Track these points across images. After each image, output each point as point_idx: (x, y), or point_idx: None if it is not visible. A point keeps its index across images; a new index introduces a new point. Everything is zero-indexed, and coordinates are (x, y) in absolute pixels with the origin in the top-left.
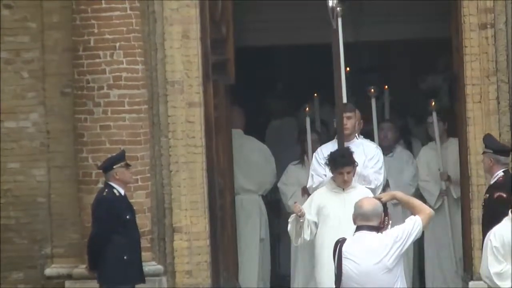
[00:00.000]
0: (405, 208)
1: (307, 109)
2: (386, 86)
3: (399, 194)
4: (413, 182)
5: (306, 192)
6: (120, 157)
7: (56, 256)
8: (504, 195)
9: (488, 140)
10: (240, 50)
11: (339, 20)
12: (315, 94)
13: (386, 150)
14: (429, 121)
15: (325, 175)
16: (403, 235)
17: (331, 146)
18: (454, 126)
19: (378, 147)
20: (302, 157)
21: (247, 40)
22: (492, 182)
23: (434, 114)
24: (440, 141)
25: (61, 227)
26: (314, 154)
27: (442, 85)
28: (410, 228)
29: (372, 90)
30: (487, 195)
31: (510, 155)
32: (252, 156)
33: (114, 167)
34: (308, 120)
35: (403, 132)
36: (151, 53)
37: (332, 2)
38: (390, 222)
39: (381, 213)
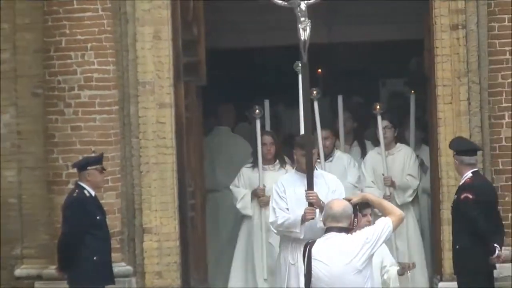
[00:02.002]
0: (376, 209)
1: (257, 111)
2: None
3: (370, 195)
4: (358, 184)
5: (256, 195)
6: (97, 160)
7: (26, 257)
8: (470, 196)
9: (453, 142)
10: (212, 51)
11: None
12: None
13: (326, 156)
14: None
15: (287, 209)
16: (373, 236)
17: (289, 177)
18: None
19: (338, 179)
20: (256, 159)
21: (218, 41)
22: (460, 183)
23: (379, 118)
24: (388, 147)
25: (32, 227)
26: (274, 186)
27: (403, 89)
28: (380, 229)
29: (378, 107)
30: (455, 196)
31: (477, 155)
32: (236, 154)
33: (88, 168)
34: (258, 122)
35: (357, 135)
36: (123, 53)
37: (304, 34)
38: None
39: (351, 214)
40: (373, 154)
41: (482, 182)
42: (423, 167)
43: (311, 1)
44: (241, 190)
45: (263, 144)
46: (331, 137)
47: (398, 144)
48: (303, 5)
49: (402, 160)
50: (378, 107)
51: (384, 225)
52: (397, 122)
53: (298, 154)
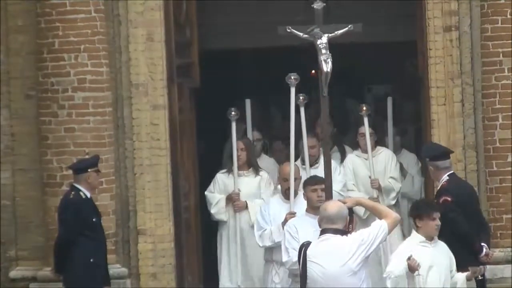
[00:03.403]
0: (371, 213)
1: (233, 113)
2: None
3: (364, 200)
4: (343, 192)
5: (231, 199)
6: (95, 162)
7: (20, 259)
8: (449, 199)
9: (425, 148)
10: (205, 53)
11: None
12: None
13: (313, 163)
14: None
15: None
16: (368, 238)
17: (301, 220)
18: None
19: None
20: (230, 165)
21: (212, 43)
22: (438, 187)
23: (366, 119)
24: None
25: (25, 229)
26: (285, 227)
27: (388, 94)
28: (375, 232)
29: (365, 108)
30: (435, 200)
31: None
32: None
33: (89, 170)
34: (234, 125)
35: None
36: (116, 55)
37: (327, 67)
38: (356, 227)
39: (346, 216)
40: (352, 157)
41: (458, 184)
42: (402, 171)
43: (332, 34)
44: (215, 195)
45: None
46: (318, 145)
47: (378, 147)
48: (324, 38)
49: (384, 163)
50: (364, 108)
51: (379, 227)
52: (378, 127)
53: (308, 191)
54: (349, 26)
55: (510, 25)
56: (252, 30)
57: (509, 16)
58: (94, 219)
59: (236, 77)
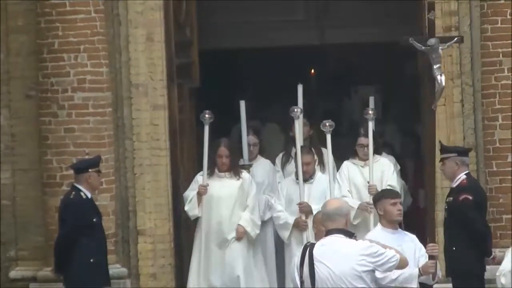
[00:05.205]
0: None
1: (207, 116)
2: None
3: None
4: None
5: (199, 193)
6: (96, 162)
7: (20, 259)
8: (470, 197)
9: (447, 146)
10: (205, 52)
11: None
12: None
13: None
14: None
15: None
16: (379, 257)
17: (380, 236)
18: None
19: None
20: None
21: (212, 43)
22: (454, 185)
23: (371, 123)
24: (364, 159)
25: (25, 229)
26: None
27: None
28: (388, 257)
29: (371, 112)
30: (451, 198)
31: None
32: None
33: (90, 170)
34: (207, 128)
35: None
36: (116, 55)
37: (442, 80)
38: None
39: (346, 213)
40: (348, 164)
41: (476, 184)
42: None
43: (445, 45)
44: (189, 193)
45: (218, 156)
46: (313, 161)
47: (375, 155)
48: (440, 51)
49: (380, 171)
50: (370, 112)
51: (393, 255)
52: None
53: (387, 204)
54: (456, 38)
55: (510, 25)
56: (252, 30)
57: (509, 16)
58: (94, 219)
59: (236, 77)
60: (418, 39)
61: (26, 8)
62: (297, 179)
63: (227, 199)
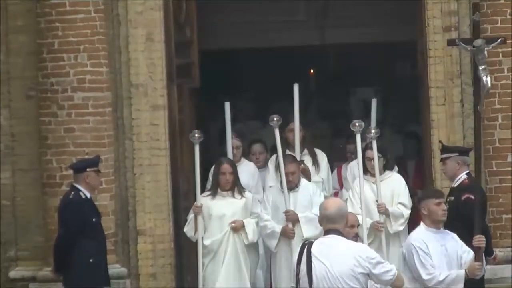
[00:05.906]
0: None
1: (197, 135)
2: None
3: None
4: None
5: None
6: (95, 162)
7: (20, 259)
8: (472, 197)
9: (448, 146)
10: (205, 52)
11: None
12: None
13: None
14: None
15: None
16: (376, 265)
17: (426, 236)
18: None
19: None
20: (215, 187)
21: (212, 43)
22: (455, 184)
23: (374, 143)
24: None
25: (25, 230)
26: (414, 243)
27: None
28: (385, 269)
29: (374, 131)
30: (452, 197)
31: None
32: None
33: (88, 169)
34: (197, 148)
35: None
36: (115, 55)
37: (488, 81)
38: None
39: (345, 214)
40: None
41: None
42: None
43: (490, 46)
44: (190, 215)
45: (221, 173)
46: (298, 170)
47: (387, 171)
48: (486, 52)
49: (391, 188)
50: (373, 131)
51: (391, 269)
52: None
53: (431, 205)
54: (500, 40)
55: (510, 25)
56: (252, 30)
57: (508, 16)
58: (94, 219)
59: (236, 77)
60: (464, 40)
61: (26, 8)
62: (281, 188)
63: (231, 218)
